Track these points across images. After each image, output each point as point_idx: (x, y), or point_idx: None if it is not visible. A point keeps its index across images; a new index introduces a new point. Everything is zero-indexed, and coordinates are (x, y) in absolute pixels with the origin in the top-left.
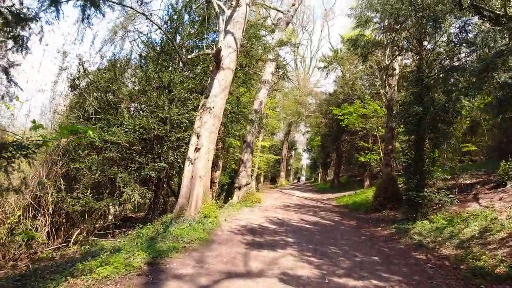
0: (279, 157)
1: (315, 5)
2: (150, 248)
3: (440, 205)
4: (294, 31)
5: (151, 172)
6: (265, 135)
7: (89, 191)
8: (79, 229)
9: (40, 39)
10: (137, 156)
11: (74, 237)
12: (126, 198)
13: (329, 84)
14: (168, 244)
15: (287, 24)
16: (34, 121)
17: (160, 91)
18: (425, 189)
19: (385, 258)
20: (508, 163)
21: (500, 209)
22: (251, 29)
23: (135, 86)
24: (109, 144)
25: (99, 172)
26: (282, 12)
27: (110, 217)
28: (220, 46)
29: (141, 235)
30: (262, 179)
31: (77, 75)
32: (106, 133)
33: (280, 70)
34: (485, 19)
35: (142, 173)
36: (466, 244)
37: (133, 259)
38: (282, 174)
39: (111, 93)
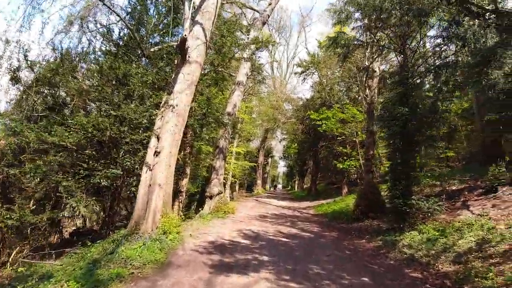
0: (255, 164)
1: (292, 10)
2: (87, 276)
3: (429, 213)
4: (271, 35)
5: (102, 180)
6: (240, 141)
7: (32, 202)
8: (18, 247)
9: None
10: (89, 162)
11: (11, 257)
12: (70, 211)
13: (306, 90)
14: (112, 270)
15: (263, 24)
16: None
17: (115, 86)
18: (413, 196)
19: (375, 278)
20: (498, 168)
21: (496, 218)
22: (224, 26)
23: (89, 80)
24: (50, 147)
25: (37, 180)
26: (258, 11)
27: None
28: (185, 35)
29: (86, 256)
30: (237, 187)
31: (16, 66)
32: (48, 134)
33: (255, 72)
34: (471, 16)
35: (91, 181)
36: (464, 258)
37: None
38: (259, 182)
39: (62, 89)
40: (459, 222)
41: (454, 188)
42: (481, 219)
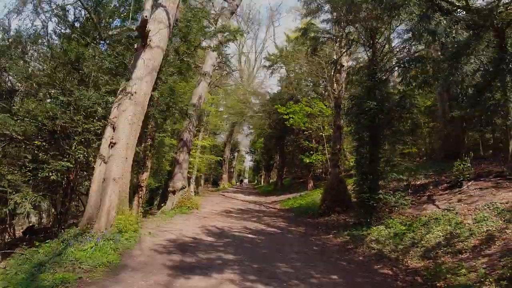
0: (221, 159)
1: (261, 4)
2: (27, 282)
3: (395, 208)
4: (239, 28)
5: (52, 174)
6: (206, 135)
7: None
8: None
9: None
10: (39, 153)
11: None
12: (14, 207)
13: (273, 85)
14: (57, 274)
15: (232, 14)
16: None
17: (67, 70)
18: (380, 191)
19: (345, 276)
20: (463, 163)
21: (463, 212)
22: (191, 12)
23: (40, 65)
24: None
25: None
26: (226, 0)
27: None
28: (146, 16)
29: (32, 258)
30: (202, 182)
31: None
32: None
33: (222, 64)
34: (441, 12)
35: (40, 175)
36: (433, 253)
37: None
38: (225, 176)
39: (11, 74)
40: (425, 216)
41: (419, 182)
42: (448, 214)
